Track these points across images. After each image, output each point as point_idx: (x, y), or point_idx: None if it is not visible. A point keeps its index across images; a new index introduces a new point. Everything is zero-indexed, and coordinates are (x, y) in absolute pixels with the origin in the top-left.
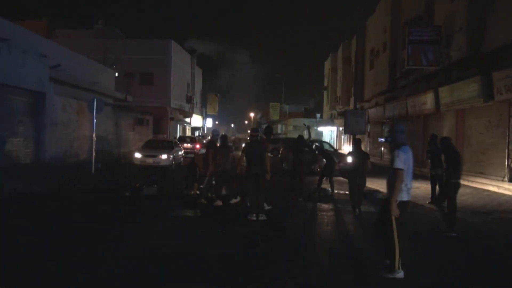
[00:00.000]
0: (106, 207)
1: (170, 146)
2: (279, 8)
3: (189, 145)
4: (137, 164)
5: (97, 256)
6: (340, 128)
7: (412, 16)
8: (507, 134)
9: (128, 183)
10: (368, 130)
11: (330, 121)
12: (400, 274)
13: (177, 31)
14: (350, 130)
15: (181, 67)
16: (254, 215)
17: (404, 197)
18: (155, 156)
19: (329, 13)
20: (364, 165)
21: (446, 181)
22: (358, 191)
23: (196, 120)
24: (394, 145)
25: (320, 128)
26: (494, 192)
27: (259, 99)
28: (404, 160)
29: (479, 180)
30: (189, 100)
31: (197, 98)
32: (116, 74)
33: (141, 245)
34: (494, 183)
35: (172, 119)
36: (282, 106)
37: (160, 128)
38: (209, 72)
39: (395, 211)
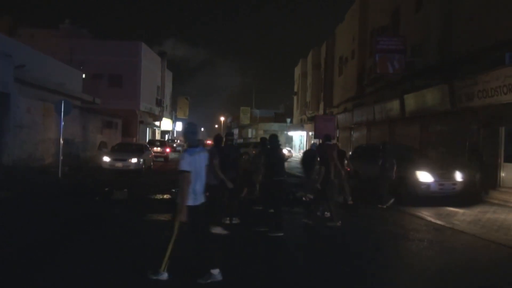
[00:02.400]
0: (74, 212)
1: (140, 149)
2: (251, 14)
3: (159, 149)
4: (106, 168)
5: (65, 263)
6: (310, 133)
7: (379, 26)
8: (467, 141)
9: (97, 187)
10: (337, 135)
11: (300, 126)
12: (164, 276)
13: (147, 34)
14: (320, 135)
15: (151, 70)
16: (228, 218)
17: (190, 201)
18: (125, 160)
19: (300, 20)
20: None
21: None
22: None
23: (166, 124)
24: (187, 146)
25: (290, 133)
26: None
27: (230, 103)
28: (189, 162)
29: None
30: (159, 103)
31: (167, 101)
32: (84, 75)
33: (113, 250)
34: None
35: (141, 122)
36: (252, 110)
37: (129, 131)
38: (180, 75)
39: (182, 216)
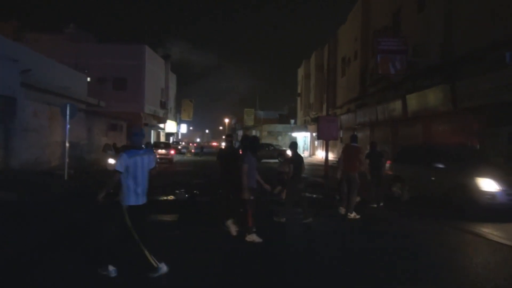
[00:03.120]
0: (79, 213)
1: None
2: (255, 15)
3: (163, 151)
4: (111, 170)
5: (67, 263)
6: (314, 134)
7: (381, 26)
8: (468, 141)
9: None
10: (341, 136)
11: (304, 127)
12: (163, 269)
13: (151, 37)
14: (322, 135)
15: (155, 73)
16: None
17: (131, 201)
18: None
19: (303, 21)
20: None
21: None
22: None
23: (170, 126)
24: (131, 148)
25: (294, 134)
26: None
27: (234, 105)
28: (126, 164)
29: None
30: (163, 105)
31: (171, 103)
32: (88, 79)
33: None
34: None
35: (146, 124)
36: (256, 112)
37: None
38: (184, 78)
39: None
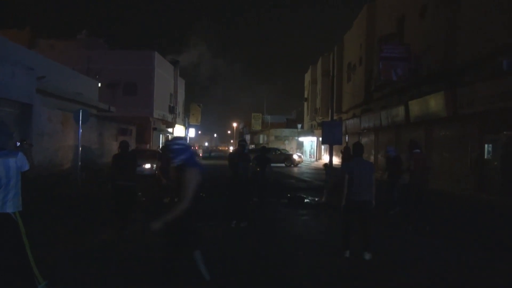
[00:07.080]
0: (93, 212)
1: (153, 156)
2: (263, 21)
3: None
4: None
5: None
6: (320, 139)
7: (385, 33)
8: (469, 146)
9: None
10: (347, 141)
11: (310, 132)
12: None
13: (160, 42)
14: (327, 140)
15: (164, 78)
16: (235, 221)
17: None
18: (139, 166)
19: (311, 27)
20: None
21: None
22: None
23: (178, 130)
24: None
25: (300, 139)
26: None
27: (242, 110)
28: None
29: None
30: (172, 110)
31: (179, 108)
32: (99, 84)
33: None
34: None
35: (155, 129)
36: (264, 116)
37: (143, 138)
38: (192, 82)
39: None
